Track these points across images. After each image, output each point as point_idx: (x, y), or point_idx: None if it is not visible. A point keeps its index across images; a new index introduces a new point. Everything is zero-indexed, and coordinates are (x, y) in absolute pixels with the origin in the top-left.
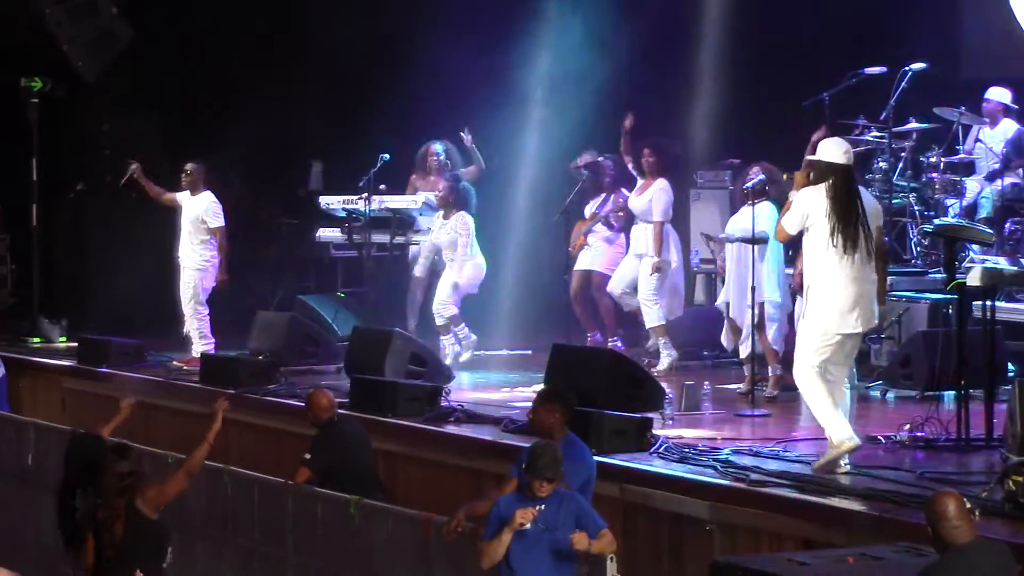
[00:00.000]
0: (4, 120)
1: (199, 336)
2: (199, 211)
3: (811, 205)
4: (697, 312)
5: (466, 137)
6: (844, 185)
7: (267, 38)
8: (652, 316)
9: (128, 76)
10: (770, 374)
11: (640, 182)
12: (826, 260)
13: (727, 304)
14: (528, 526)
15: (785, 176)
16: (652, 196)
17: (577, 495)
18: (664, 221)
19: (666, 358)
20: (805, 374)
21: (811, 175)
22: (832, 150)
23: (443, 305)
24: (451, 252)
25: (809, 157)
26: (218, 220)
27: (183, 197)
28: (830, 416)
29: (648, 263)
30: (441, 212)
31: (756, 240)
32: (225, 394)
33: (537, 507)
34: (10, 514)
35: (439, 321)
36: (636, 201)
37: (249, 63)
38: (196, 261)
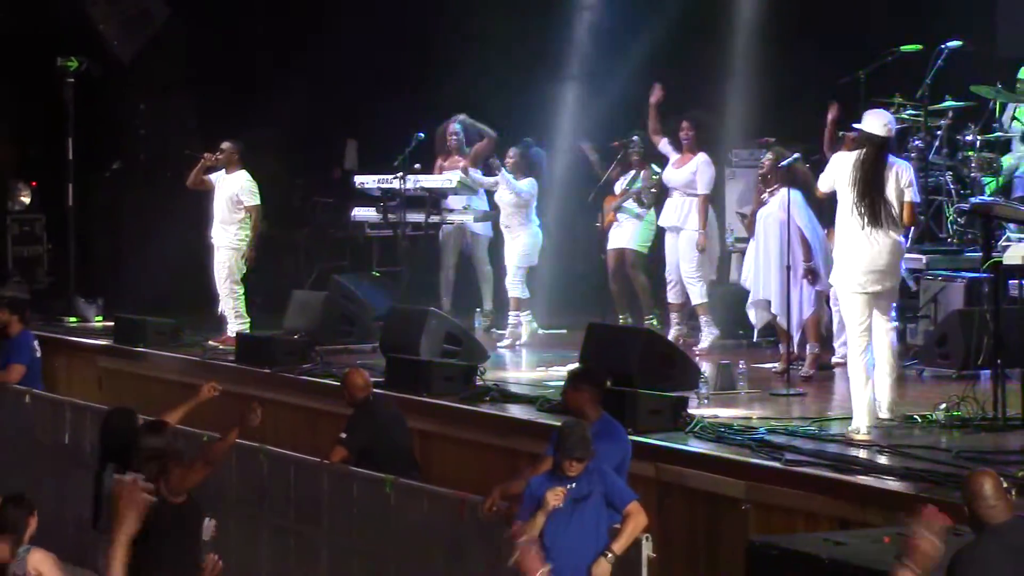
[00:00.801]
0: (40, 100)
1: (234, 316)
2: (234, 190)
3: (839, 170)
4: (732, 291)
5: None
6: (875, 158)
7: (301, 16)
8: (696, 293)
9: (163, 55)
10: (807, 352)
11: (676, 156)
12: (844, 223)
13: (768, 302)
14: (561, 505)
15: (840, 134)
16: (696, 169)
17: (605, 468)
18: (708, 194)
19: (708, 336)
20: (849, 349)
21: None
22: (872, 121)
23: (512, 285)
24: (511, 216)
25: (856, 125)
26: (253, 199)
27: (217, 177)
28: (854, 399)
29: (689, 238)
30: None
31: None
32: (252, 409)
33: (567, 486)
34: (47, 494)
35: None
36: (676, 174)
37: (283, 41)
38: (230, 240)
